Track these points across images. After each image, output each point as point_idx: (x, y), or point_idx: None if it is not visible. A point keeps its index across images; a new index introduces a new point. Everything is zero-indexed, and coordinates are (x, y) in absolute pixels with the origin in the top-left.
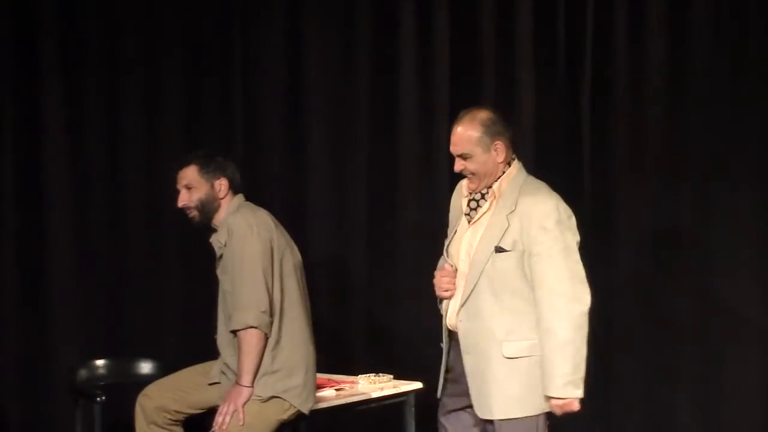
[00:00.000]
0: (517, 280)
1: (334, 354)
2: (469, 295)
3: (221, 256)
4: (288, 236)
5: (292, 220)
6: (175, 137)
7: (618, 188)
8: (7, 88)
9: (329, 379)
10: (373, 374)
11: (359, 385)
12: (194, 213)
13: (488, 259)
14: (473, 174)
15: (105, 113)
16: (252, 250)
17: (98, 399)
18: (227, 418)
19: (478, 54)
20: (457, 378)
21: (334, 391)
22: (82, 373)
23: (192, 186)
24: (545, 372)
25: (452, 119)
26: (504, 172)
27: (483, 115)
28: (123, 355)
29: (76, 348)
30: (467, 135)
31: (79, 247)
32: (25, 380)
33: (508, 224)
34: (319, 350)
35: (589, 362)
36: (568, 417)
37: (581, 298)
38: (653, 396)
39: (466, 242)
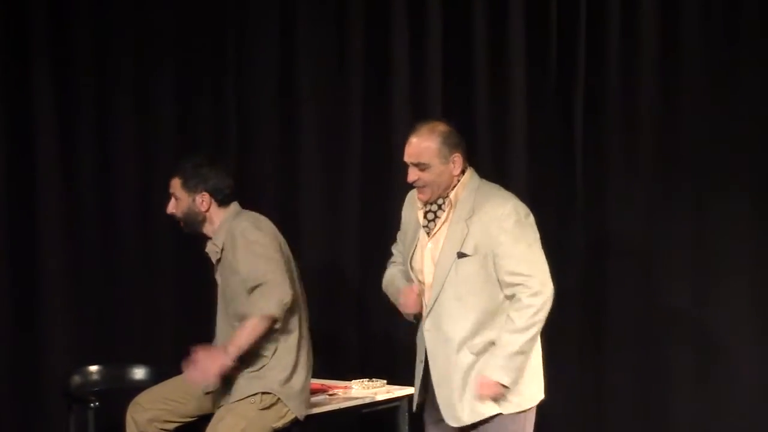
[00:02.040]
0: (481, 283)
1: (328, 359)
2: (434, 303)
3: (219, 261)
4: (287, 245)
5: (285, 224)
6: (167, 141)
7: (611, 195)
8: None
9: (322, 385)
10: (367, 379)
11: (352, 391)
12: (180, 222)
13: (451, 266)
14: (425, 185)
15: (96, 117)
16: (264, 242)
17: (92, 405)
18: (195, 373)
19: (471, 61)
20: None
21: (327, 396)
22: (76, 378)
23: (177, 197)
24: (493, 351)
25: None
26: (458, 181)
27: (441, 127)
28: (116, 360)
29: (70, 354)
30: (426, 145)
31: (72, 252)
32: (18, 386)
33: (468, 229)
34: (313, 355)
35: (584, 364)
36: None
37: (544, 291)
38: (648, 397)
39: (429, 254)
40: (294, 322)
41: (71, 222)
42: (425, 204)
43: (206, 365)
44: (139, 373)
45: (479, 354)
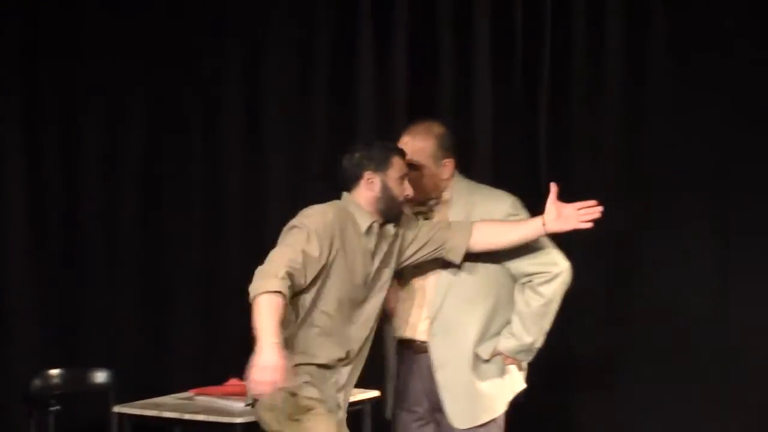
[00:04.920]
0: (490, 282)
1: None
2: (439, 308)
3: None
4: None
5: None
6: (137, 151)
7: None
8: None
9: None
10: None
11: None
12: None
13: (456, 269)
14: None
15: (62, 116)
16: None
17: (52, 408)
18: None
19: (436, 62)
20: (414, 392)
21: None
22: (36, 382)
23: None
24: (521, 329)
25: None
26: (448, 183)
27: (437, 128)
28: (77, 364)
29: (30, 357)
30: (421, 146)
31: (35, 255)
32: None
33: None
34: None
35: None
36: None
37: (563, 270)
38: (613, 406)
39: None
40: None
41: (36, 224)
42: (412, 207)
43: None
44: (100, 376)
45: (492, 350)
